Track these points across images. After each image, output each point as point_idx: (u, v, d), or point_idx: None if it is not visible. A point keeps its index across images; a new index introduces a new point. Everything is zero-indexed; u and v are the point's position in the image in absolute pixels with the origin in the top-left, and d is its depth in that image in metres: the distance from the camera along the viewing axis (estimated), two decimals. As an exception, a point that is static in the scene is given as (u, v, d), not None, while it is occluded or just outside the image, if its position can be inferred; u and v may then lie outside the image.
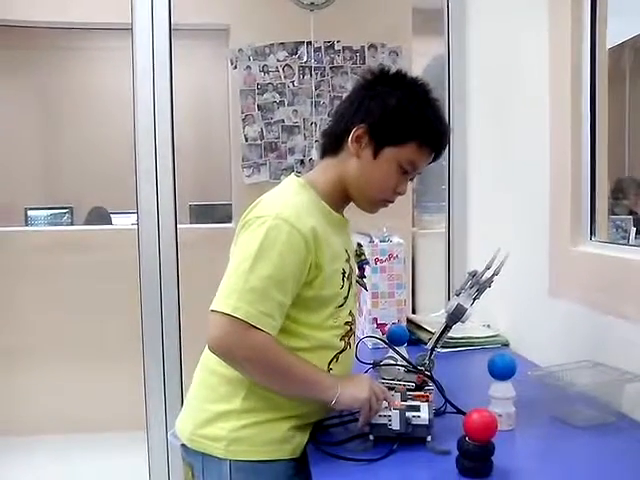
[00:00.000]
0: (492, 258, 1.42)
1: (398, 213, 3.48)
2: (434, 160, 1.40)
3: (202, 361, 1.38)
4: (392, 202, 1.40)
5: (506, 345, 2.02)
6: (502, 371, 1.32)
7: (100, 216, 4.32)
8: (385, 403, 1.24)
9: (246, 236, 1.26)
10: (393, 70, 1.39)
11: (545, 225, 1.79)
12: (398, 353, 1.39)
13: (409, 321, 2.09)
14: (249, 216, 1.28)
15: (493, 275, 1.39)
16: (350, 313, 1.37)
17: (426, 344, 1.91)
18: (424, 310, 3.42)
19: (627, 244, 1.74)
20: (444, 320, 1.42)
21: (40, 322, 3.45)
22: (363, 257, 1.50)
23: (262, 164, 3.41)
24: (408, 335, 1.70)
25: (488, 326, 2.13)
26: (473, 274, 1.42)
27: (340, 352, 1.35)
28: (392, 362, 1.39)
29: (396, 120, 1.31)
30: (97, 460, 3.13)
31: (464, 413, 1.25)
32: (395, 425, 1.21)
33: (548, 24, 1.76)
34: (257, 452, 1.28)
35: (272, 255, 1.21)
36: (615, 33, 1.72)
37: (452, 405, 1.35)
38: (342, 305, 1.33)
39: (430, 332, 1.99)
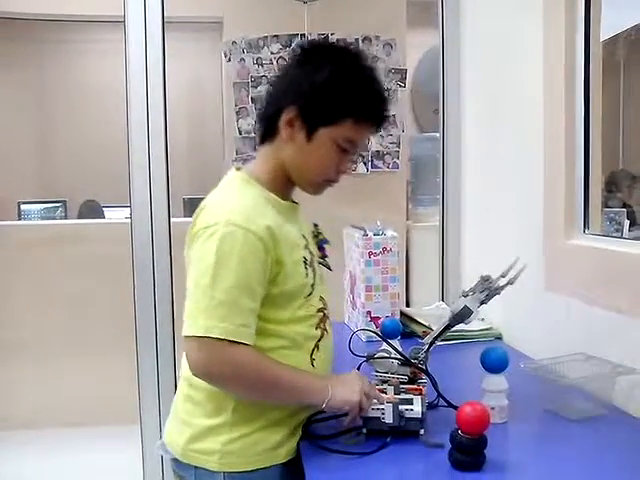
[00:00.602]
0: (508, 267, 1.39)
1: (392, 206, 3.52)
2: (376, 132, 1.34)
3: (184, 375, 1.33)
4: (337, 182, 1.35)
5: (499, 338, 2.02)
6: (495, 364, 1.32)
7: (93, 210, 4.31)
8: (385, 397, 1.23)
9: (198, 250, 1.20)
10: (321, 42, 1.33)
11: (539, 218, 1.79)
12: (392, 346, 1.39)
13: (403, 314, 2.09)
14: (197, 227, 1.22)
15: (507, 284, 1.37)
16: (320, 299, 1.34)
17: (420, 337, 1.92)
18: (418, 303, 3.42)
19: (621, 237, 1.74)
20: (447, 318, 1.40)
21: (33, 316, 3.45)
22: (321, 236, 1.47)
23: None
24: (401, 328, 1.70)
25: (482, 319, 2.13)
26: (486, 279, 1.39)
27: (319, 340, 1.32)
28: (386, 355, 1.39)
29: (326, 98, 1.24)
30: (91, 453, 3.12)
31: (456, 407, 1.25)
32: (388, 418, 1.21)
33: (542, 17, 1.75)
34: (251, 462, 1.26)
35: (232, 264, 1.16)
36: (609, 26, 1.71)
37: (444, 399, 1.35)
38: (311, 293, 1.29)
39: (424, 325, 1.99)
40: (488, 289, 1.36)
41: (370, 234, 2.03)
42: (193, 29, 4.14)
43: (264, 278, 1.20)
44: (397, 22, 3.52)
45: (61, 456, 3.12)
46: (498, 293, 1.36)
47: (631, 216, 1.89)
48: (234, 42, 3.44)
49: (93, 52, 4.61)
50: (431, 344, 1.39)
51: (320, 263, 1.42)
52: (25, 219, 4.12)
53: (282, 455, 1.27)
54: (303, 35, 3.36)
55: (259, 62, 3.41)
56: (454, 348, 1.93)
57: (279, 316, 1.26)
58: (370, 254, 2.01)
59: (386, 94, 1.32)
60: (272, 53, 3.40)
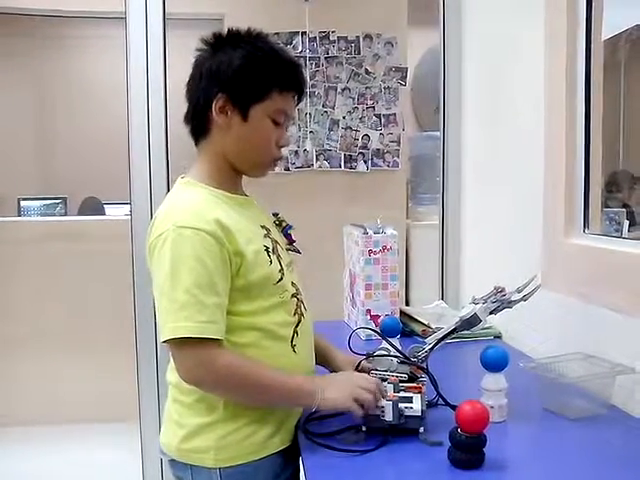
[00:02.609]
0: (525, 283, 1.39)
1: (392, 205, 3.52)
2: (299, 101, 1.39)
3: (170, 380, 1.36)
4: (281, 158, 1.39)
5: (499, 337, 2.03)
6: (494, 363, 1.32)
7: (93, 206, 4.30)
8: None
9: (156, 259, 1.22)
10: (224, 32, 1.36)
11: (538, 217, 1.79)
12: (392, 345, 1.39)
13: (402, 313, 2.09)
14: (151, 238, 1.25)
15: (520, 300, 1.38)
16: (292, 284, 1.36)
17: (419, 335, 1.92)
18: (417, 302, 3.43)
19: (620, 237, 1.74)
20: (454, 322, 1.40)
21: (33, 312, 3.45)
22: (284, 224, 1.49)
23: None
24: (401, 327, 1.70)
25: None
26: (500, 290, 1.40)
27: (297, 326, 1.34)
28: (385, 353, 1.39)
29: (249, 76, 1.29)
30: (90, 451, 3.13)
31: (454, 407, 1.25)
32: (388, 416, 1.21)
33: (544, 15, 1.75)
34: (245, 454, 1.27)
35: (187, 264, 1.17)
36: (611, 24, 1.71)
37: (443, 399, 1.35)
38: (280, 279, 1.31)
39: (423, 324, 1.99)
40: (501, 301, 1.36)
41: (370, 232, 2.03)
42: (194, 26, 4.12)
43: (225, 271, 1.21)
44: (398, 20, 3.52)
45: (60, 453, 3.12)
46: (510, 307, 1.37)
47: (631, 216, 1.89)
48: (235, 39, 3.44)
49: (94, 48, 4.60)
50: (435, 345, 1.40)
51: (288, 249, 1.44)
52: (25, 215, 4.12)
53: (276, 444, 1.29)
54: (304, 33, 3.36)
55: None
56: (453, 347, 1.92)
57: (253, 307, 1.27)
58: (370, 252, 2.01)
59: (297, 61, 1.40)
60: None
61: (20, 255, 3.47)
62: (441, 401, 1.36)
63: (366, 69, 3.38)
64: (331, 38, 3.39)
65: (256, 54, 1.30)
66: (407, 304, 3.15)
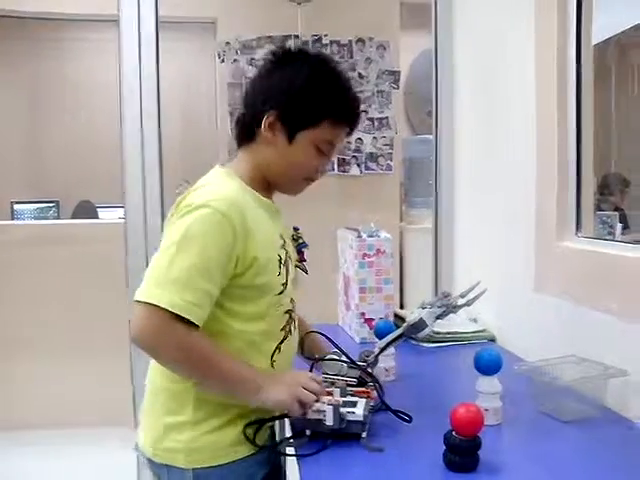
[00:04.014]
0: (469, 289, 1.41)
1: (386, 208, 3.53)
2: (349, 134, 1.39)
3: (149, 376, 1.35)
4: (314, 180, 1.39)
5: (493, 340, 2.03)
6: (488, 366, 1.32)
7: (86, 210, 4.29)
8: (327, 398, 1.22)
9: (174, 224, 1.22)
10: (294, 49, 1.37)
11: (531, 220, 1.80)
12: (340, 349, 1.39)
13: (396, 316, 2.09)
14: (181, 204, 1.24)
15: (464, 305, 1.40)
16: (291, 300, 1.37)
17: (412, 338, 1.93)
18: (412, 305, 3.43)
19: (613, 240, 1.75)
20: (402, 327, 1.42)
21: (27, 316, 3.43)
22: (301, 240, 1.49)
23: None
24: (394, 330, 1.70)
25: (475, 321, 2.14)
26: (446, 295, 1.42)
27: (281, 342, 1.34)
28: (335, 357, 1.39)
29: (305, 102, 1.29)
30: (88, 455, 3.11)
31: (395, 413, 1.29)
32: (329, 421, 1.20)
33: (534, 20, 1.76)
34: (216, 457, 1.27)
35: (197, 243, 1.17)
36: (600, 29, 1.72)
37: (385, 405, 1.32)
38: (282, 292, 1.30)
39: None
40: (446, 306, 1.38)
41: (364, 236, 2.03)
42: (187, 29, 4.14)
43: (227, 264, 1.20)
44: (390, 24, 3.53)
45: (60, 457, 3.11)
46: (454, 312, 1.39)
47: (623, 219, 1.90)
48: (228, 43, 3.44)
49: (87, 51, 4.60)
50: (382, 350, 1.42)
51: (296, 266, 1.44)
52: (18, 219, 4.10)
53: (247, 448, 1.29)
54: (297, 36, 3.37)
55: (253, 63, 3.42)
56: (448, 350, 1.94)
57: (247, 310, 1.27)
58: (364, 256, 2.01)
59: (357, 94, 1.38)
60: (266, 54, 3.40)
61: (13, 258, 3.45)
62: (395, 405, 1.33)
63: (359, 73, 3.39)
64: (324, 42, 3.40)
65: (318, 80, 1.30)
66: (401, 307, 3.16)
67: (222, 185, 1.29)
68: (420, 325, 1.38)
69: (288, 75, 1.30)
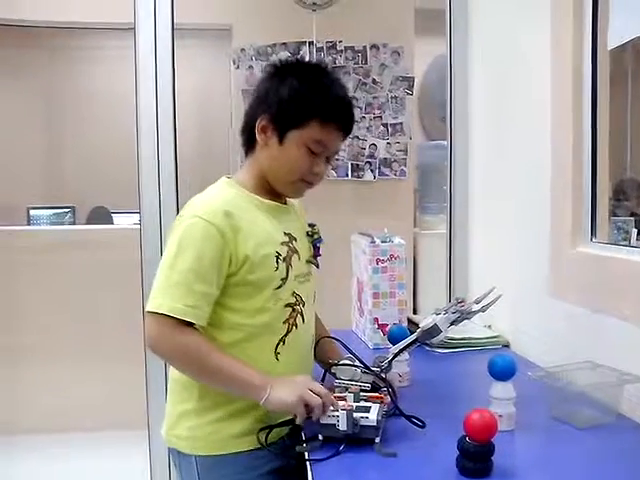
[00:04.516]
0: (483, 295, 1.41)
1: (399, 214, 3.52)
2: (345, 137, 1.44)
3: (170, 371, 1.46)
4: (313, 183, 1.44)
5: (507, 346, 2.02)
6: (502, 372, 1.32)
7: (101, 216, 4.32)
8: (341, 403, 1.24)
9: (169, 239, 1.33)
10: (292, 60, 1.48)
11: (546, 226, 1.79)
12: (353, 354, 1.40)
13: (410, 321, 2.09)
14: (175, 220, 1.37)
15: (479, 311, 1.40)
16: (293, 294, 1.39)
17: (426, 344, 1.92)
18: (425, 310, 3.42)
19: (628, 245, 1.74)
20: (415, 335, 1.41)
21: (41, 321, 3.46)
22: (316, 236, 1.52)
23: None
24: (408, 335, 1.70)
25: (489, 327, 2.13)
26: (460, 301, 1.42)
27: (285, 335, 1.38)
28: (349, 362, 1.39)
29: (293, 103, 1.36)
30: (99, 459, 3.13)
31: (409, 418, 1.29)
32: (342, 426, 1.21)
33: (550, 25, 1.76)
34: (217, 447, 1.34)
35: (189, 249, 1.27)
36: (617, 34, 1.71)
37: (399, 410, 1.33)
38: (281, 286, 1.36)
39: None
40: (460, 312, 1.38)
41: (377, 241, 2.03)
42: (202, 36, 4.16)
43: (222, 264, 1.29)
44: (405, 30, 3.53)
45: (67, 461, 3.13)
46: (468, 318, 1.39)
47: (639, 225, 1.89)
48: (243, 49, 3.46)
49: (102, 59, 4.64)
50: (395, 355, 1.42)
51: (308, 261, 1.48)
52: (34, 224, 4.13)
53: (248, 443, 1.33)
54: (311, 43, 3.37)
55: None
56: (462, 356, 1.93)
57: (247, 306, 1.34)
58: (377, 261, 2.01)
59: (348, 98, 1.45)
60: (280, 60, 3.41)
61: (29, 264, 3.49)
62: (408, 410, 1.33)
63: (373, 79, 3.39)
64: (338, 48, 3.41)
65: (305, 83, 1.38)
66: (415, 312, 3.14)
67: (212, 195, 1.39)
68: (434, 331, 1.37)
69: (278, 81, 1.40)
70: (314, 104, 1.36)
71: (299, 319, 1.41)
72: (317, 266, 1.52)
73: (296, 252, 1.41)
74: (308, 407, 1.23)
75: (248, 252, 1.31)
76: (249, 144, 1.45)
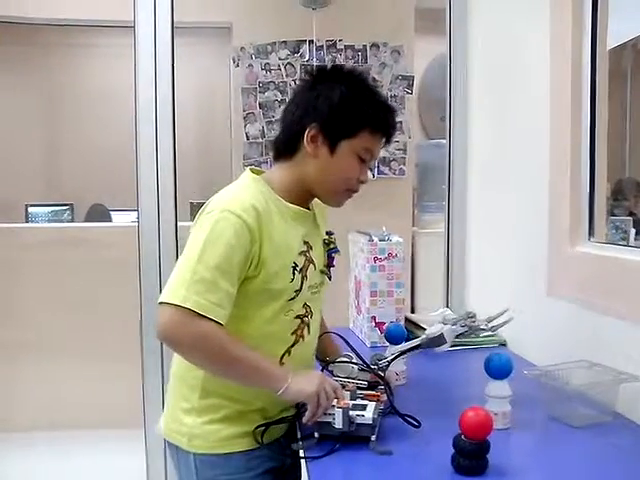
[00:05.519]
0: (496, 314, 1.40)
1: (398, 212, 3.52)
2: (386, 143, 1.44)
3: (172, 365, 1.45)
4: (357, 191, 1.44)
5: (503, 345, 2.02)
6: (498, 370, 1.32)
7: (100, 213, 4.33)
8: (334, 402, 1.24)
9: (196, 229, 1.29)
10: (329, 66, 1.44)
11: (544, 225, 1.79)
12: (354, 351, 1.40)
13: (407, 320, 2.09)
14: (203, 212, 1.32)
15: (487, 330, 1.39)
16: (305, 306, 1.39)
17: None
18: (423, 309, 3.43)
19: (627, 245, 1.74)
20: (420, 338, 1.41)
21: (39, 318, 3.46)
22: (332, 245, 1.51)
23: (263, 162, 3.42)
24: (406, 334, 1.69)
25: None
26: (471, 316, 1.42)
27: (292, 346, 1.37)
28: (346, 360, 1.39)
29: (344, 113, 1.35)
30: (95, 457, 3.13)
31: (403, 417, 1.29)
32: (338, 423, 1.21)
33: (549, 24, 1.76)
34: (215, 446, 1.34)
35: (219, 246, 1.24)
36: (616, 34, 1.71)
37: (394, 409, 1.33)
38: (294, 298, 1.34)
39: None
40: (469, 327, 1.37)
41: (375, 239, 2.03)
42: (202, 34, 4.16)
43: (245, 266, 1.27)
44: (405, 29, 3.53)
45: (63, 459, 3.13)
46: (476, 334, 1.37)
47: (637, 225, 1.89)
48: (242, 48, 3.46)
49: (101, 56, 4.64)
50: (396, 357, 1.42)
51: (321, 271, 1.46)
52: (32, 222, 4.14)
53: (246, 443, 1.34)
54: (311, 41, 3.37)
55: (267, 68, 3.43)
56: (458, 354, 1.93)
57: (258, 314, 1.33)
58: (375, 259, 2.01)
59: (393, 106, 1.46)
60: (280, 59, 3.42)
61: (27, 261, 3.49)
62: (403, 409, 1.33)
63: (373, 77, 3.39)
64: (338, 47, 3.41)
65: (354, 92, 1.36)
66: (412, 311, 3.15)
67: (241, 190, 1.35)
68: (439, 340, 1.37)
69: (326, 90, 1.36)
70: (366, 113, 1.35)
71: (306, 331, 1.40)
72: (329, 278, 1.50)
73: (312, 262, 1.40)
74: (319, 402, 1.24)
75: (267, 258, 1.28)
76: (287, 151, 1.40)
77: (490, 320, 1.38)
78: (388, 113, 1.41)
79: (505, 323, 1.39)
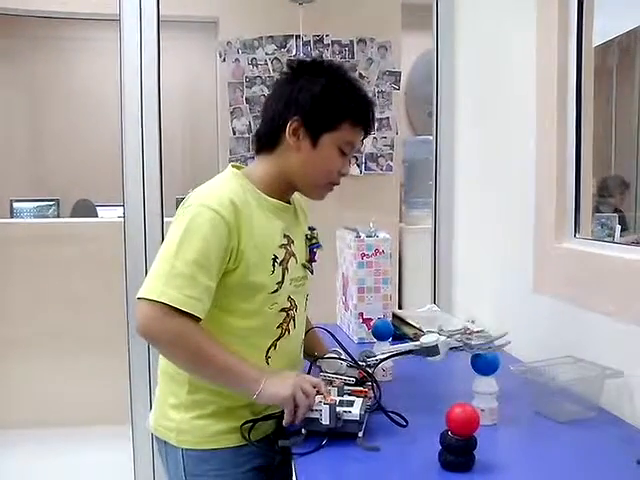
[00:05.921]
0: (495, 337, 1.39)
1: (385, 208, 3.53)
2: (365, 136, 1.45)
3: (160, 362, 1.44)
4: (338, 184, 1.44)
5: (490, 341, 2.03)
6: (485, 366, 1.32)
7: (86, 209, 4.30)
8: (319, 397, 1.24)
9: (173, 225, 1.29)
10: (309, 60, 1.45)
11: (530, 221, 1.80)
12: (342, 347, 1.40)
13: (395, 316, 2.10)
14: (180, 208, 1.32)
15: (484, 349, 1.37)
16: (289, 299, 1.39)
17: (411, 339, 1.93)
18: (410, 305, 3.44)
19: (612, 241, 1.75)
20: (414, 344, 1.40)
21: (25, 315, 3.44)
22: (314, 240, 1.51)
23: (250, 157, 3.41)
24: (393, 330, 1.70)
25: (472, 322, 2.14)
26: (468, 332, 1.41)
27: (278, 339, 1.38)
28: (334, 356, 1.39)
29: (326, 106, 1.36)
30: (83, 453, 3.12)
31: (394, 420, 1.28)
32: (325, 420, 1.21)
33: (535, 22, 1.77)
34: (201, 442, 1.34)
35: (196, 240, 1.24)
36: (601, 31, 1.72)
37: (381, 407, 1.33)
38: (277, 290, 1.34)
39: (415, 327, 2.00)
40: (464, 343, 1.36)
41: (363, 236, 2.03)
42: (188, 28, 4.14)
43: (224, 259, 1.27)
44: (392, 25, 3.53)
45: (55, 455, 3.12)
46: (470, 351, 1.36)
47: (623, 221, 1.90)
48: (229, 42, 3.45)
49: (87, 50, 4.61)
50: (387, 357, 1.42)
51: (303, 265, 1.46)
52: (18, 217, 4.11)
53: (235, 439, 1.34)
54: (298, 36, 3.37)
55: (254, 62, 3.42)
56: (445, 350, 1.93)
57: (240, 306, 1.32)
58: (362, 256, 2.01)
59: (370, 98, 1.47)
60: (267, 54, 3.41)
61: (13, 257, 3.46)
62: (390, 405, 1.33)
63: (360, 73, 3.39)
64: (325, 42, 3.41)
65: (334, 85, 1.37)
66: (400, 307, 3.16)
67: (220, 184, 1.36)
68: (433, 351, 1.35)
69: (307, 83, 1.37)
70: (346, 106, 1.37)
71: (291, 324, 1.40)
72: (311, 272, 1.50)
73: (293, 255, 1.40)
74: (296, 405, 1.23)
75: (246, 250, 1.29)
76: (268, 145, 1.41)
77: (489, 341, 1.36)
78: (369, 106, 1.42)
79: (503, 346, 1.38)
